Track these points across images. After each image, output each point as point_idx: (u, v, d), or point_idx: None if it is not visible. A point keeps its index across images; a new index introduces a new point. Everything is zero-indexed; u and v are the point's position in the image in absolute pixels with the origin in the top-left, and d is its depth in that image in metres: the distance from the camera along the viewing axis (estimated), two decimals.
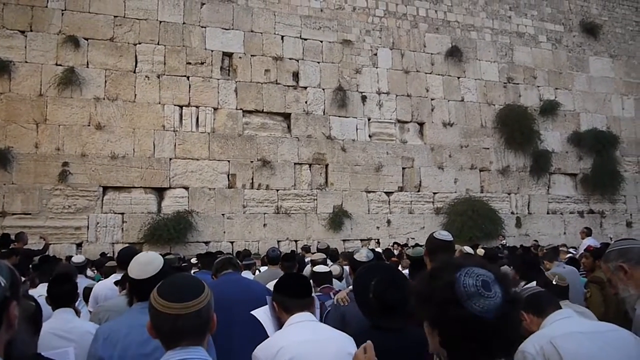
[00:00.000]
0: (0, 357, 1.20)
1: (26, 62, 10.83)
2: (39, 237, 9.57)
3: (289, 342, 2.21)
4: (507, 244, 12.42)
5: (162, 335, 1.61)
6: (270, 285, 3.23)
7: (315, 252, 8.50)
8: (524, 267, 4.60)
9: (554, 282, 3.47)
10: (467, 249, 5.66)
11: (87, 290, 4.70)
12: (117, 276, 4.14)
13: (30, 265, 6.77)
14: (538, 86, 15.70)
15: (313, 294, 2.63)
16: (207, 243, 11.33)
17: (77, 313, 3.32)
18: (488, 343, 1.30)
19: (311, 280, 4.38)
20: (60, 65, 11.01)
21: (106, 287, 4.29)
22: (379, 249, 9.99)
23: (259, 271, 6.83)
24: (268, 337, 2.43)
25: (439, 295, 1.33)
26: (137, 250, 5.91)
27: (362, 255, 4.04)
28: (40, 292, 3.88)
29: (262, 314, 2.58)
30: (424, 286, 1.40)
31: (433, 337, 1.38)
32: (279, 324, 2.48)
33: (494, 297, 1.30)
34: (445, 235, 3.24)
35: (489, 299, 1.29)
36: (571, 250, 10.52)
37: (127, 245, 10.33)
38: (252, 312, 2.61)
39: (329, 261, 6.01)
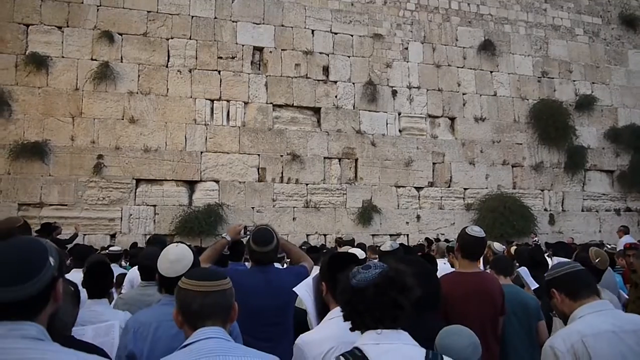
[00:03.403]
0: (42, 325, 1.33)
1: (63, 57, 11.10)
2: (74, 228, 9.84)
3: (338, 343, 2.10)
4: (539, 242, 12.16)
5: (190, 314, 1.70)
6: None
7: (344, 246, 8.46)
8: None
9: (594, 262, 3.34)
10: (497, 245, 5.57)
11: (120, 277, 4.82)
12: None
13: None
14: (574, 80, 15.31)
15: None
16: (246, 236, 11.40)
17: (110, 299, 3.40)
18: (368, 308, 1.70)
19: None
20: (96, 60, 11.25)
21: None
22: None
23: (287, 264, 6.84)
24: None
25: (342, 280, 1.83)
26: (164, 239, 6.02)
27: (387, 245, 4.12)
28: (73, 277, 3.97)
29: (304, 292, 2.52)
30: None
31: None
32: (323, 305, 2.42)
33: (369, 274, 1.74)
34: (478, 232, 3.21)
35: (364, 274, 1.74)
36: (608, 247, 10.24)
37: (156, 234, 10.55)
38: (294, 289, 2.57)
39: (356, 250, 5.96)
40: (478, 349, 2.11)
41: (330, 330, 2.21)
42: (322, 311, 2.39)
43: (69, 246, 7.99)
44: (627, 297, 4.71)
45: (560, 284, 2.25)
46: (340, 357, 1.69)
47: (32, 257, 1.31)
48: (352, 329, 1.78)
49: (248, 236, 3.37)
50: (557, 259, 4.42)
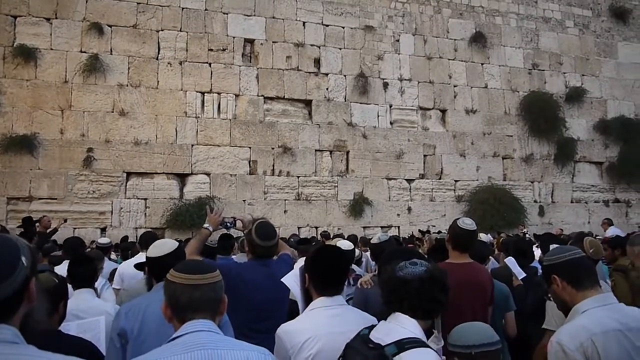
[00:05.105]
0: (16, 327, 1.27)
1: (51, 49, 10.99)
2: (58, 221, 9.77)
3: (317, 334, 2.15)
4: (528, 233, 12.25)
5: (179, 307, 1.69)
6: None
7: (334, 238, 8.48)
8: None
9: (589, 252, 3.38)
10: (483, 236, 5.62)
11: (114, 271, 4.82)
12: (141, 256, 4.24)
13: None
14: (564, 72, 15.39)
15: None
16: (227, 228, 11.38)
17: (96, 292, 3.41)
18: (410, 298, 1.89)
19: None
20: (85, 52, 11.15)
21: (130, 266, 4.40)
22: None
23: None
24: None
25: (387, 271, 2.02)
26: (156, 234, 6.06)
27: (375, 238, 4.22)
28: (62, 270, 3.97)
29: (293, 282, 2.56)
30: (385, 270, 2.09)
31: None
32: (306, 296, 2.46)
33: (416, 269, 1.94)
34: (469, 225, 3.24)
35: (412, 268, 1.94)
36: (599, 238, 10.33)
37: (149, 230, 10.52)
38: (282, 280, 2.61)
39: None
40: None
41: (310, 321, 2.25)
42: (308, 301, 2.42)
43: (54, 238, 7.97)
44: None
45: (562, 271, 2.17)
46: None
47: (5, 257, 1.25)
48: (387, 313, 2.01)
49: (230, 227, 3.49)
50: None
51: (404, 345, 1.77)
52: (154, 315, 2.29)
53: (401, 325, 1.87)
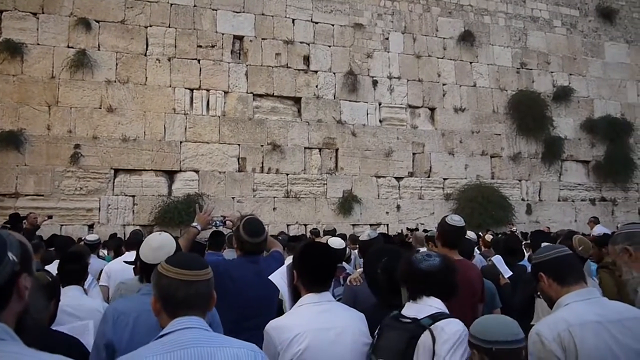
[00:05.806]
0: (11, 326, 1.24)
1: (38, 44, 10.87)
2: (46, 217, 9.66)
3: (305, 330, 2.17)
4: (517, 231, 12.35)
5: (173, 303, 1.65)
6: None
7: (325, 236, 8.47)
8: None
9: (577, 250, 3.42)
10: (471, 234, 5.66)
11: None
12: (128, 254, 4.22)
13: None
14: (552, 72, 15.50)
15: None
16: (217, 226, 11.33)
17: (85, 291, 3.39)
18: (435, 289, 2.22)
19: None
20: (72, 47, 11.04)
21: (117, 263, 4.39)
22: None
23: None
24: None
25: (405, 264, 2.31)
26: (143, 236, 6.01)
27: (365, 235, 4.23)
28: (52, 269, 3.94)
29: (279, 279, 2.56)
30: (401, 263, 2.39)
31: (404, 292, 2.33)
32: (294, 293, 2.47)
33: (435, 262, 2.26)
34: (457, 221, 3.27)
35: (430, 261, 2.26)
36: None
37: (137, 227, 10.46)
38: (269, 277, 2.61)
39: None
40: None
41: (299, 317, 2.26)
42: (296, 298, 2.43)
43: (39, 234, 7.89)
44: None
45: (548, 268, 2.24)
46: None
47: None
48: (410, 300, 2.29)
49: (220, 227, 3.49)
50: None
51: (437, 317, 2.11)
52: (144, 326, 2.20)
53: (429, 304, 2.19)
